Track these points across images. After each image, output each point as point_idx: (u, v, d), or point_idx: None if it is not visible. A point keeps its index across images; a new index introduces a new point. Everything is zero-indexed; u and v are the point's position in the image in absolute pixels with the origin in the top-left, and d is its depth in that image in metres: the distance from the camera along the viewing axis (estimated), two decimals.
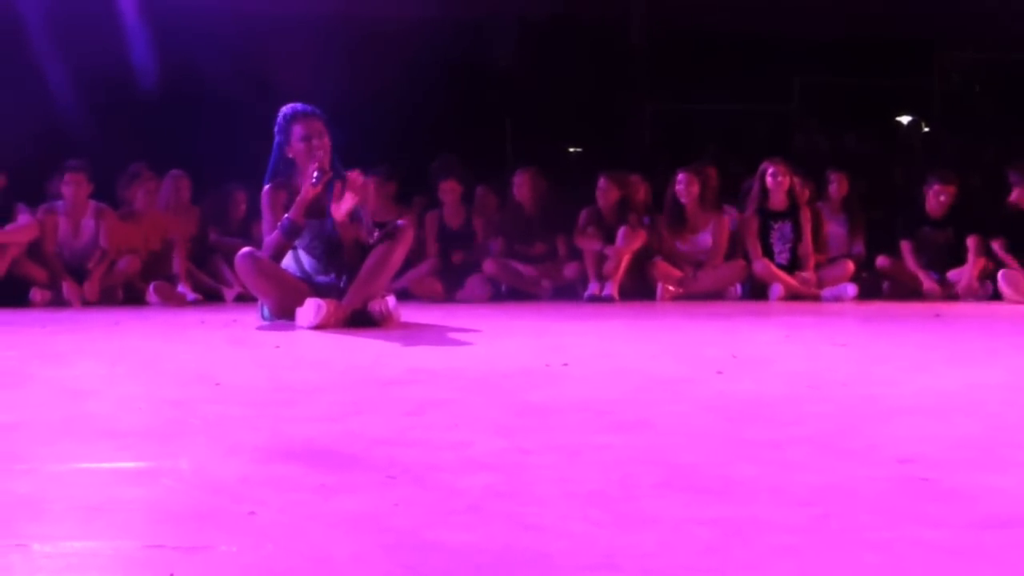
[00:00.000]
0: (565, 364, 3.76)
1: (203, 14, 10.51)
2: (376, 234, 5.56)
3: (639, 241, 8.54)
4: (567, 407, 2.85)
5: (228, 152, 8.52)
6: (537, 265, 8.78)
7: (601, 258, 8.43)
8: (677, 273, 8.60)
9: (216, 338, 5.08)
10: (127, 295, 8.18)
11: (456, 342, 4.76)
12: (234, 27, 10.61)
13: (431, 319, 6.00)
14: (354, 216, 5.44)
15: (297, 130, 5.54)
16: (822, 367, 3.86)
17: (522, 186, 8.95)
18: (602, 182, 8.83)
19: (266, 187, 5.64)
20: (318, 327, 5.12)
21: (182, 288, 8.14)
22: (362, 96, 10.55)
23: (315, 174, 5.38)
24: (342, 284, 5.50)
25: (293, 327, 5.24)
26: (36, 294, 7.79)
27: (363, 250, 5.49)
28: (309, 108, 5.62)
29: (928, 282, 8.60)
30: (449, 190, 8.94)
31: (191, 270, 8.47)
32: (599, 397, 3.04)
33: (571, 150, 13.90)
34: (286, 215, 5.44)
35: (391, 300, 5.45)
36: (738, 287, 8.71)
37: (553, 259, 8.83)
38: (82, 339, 5.12)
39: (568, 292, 8.58)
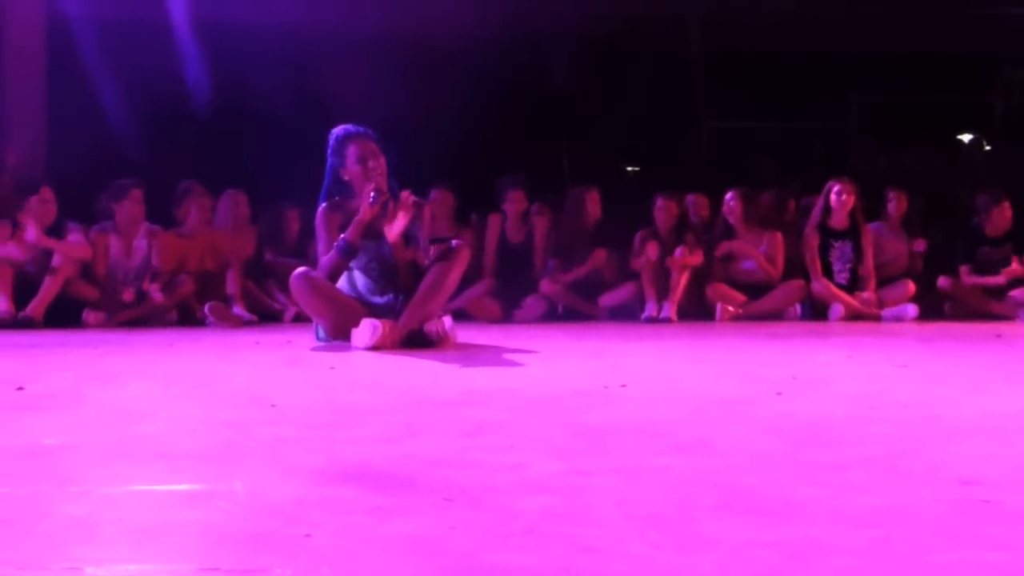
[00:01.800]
0: (623, 385, 3.73)
1: (257, 32, 10.55)
2: (432, 253, 5.55)
3: (697, 261, 8.51)
4: (625, 428, 2.83)
5: (282, 171, 8.51)
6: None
7: (658, 277, 8.39)
8: (736, 294, 8.54)
9: (271, 359, 5.08)
10: (181, 316, 8.13)
11: (513, 363, 4.75)
12: (288, 45, 10.66)
13: (488, 340, 6.00)
14: (408, 236, 5.42)
15: (352, 151, 5.52)
16: (883, 388, 3.81)
17: (592, 203, 8.94)
18: (659, 201, 8.81)
19: (321, 207, 5.61)
20: (374, 348, 5.11)
21: (237, 309, 8.08)
22: (418, 114, 10.58)
23: (372, 195, 5.37)
24: (398, 305, 5.48)
25: (348, 348, 5.25)
26: (89, 315, 7.77)
27: (418, 270, 5.46)
28: (361, 129, 5.59)
29: (993, 280, 8.58)
30: (516, 199, 8.94)
31: (247, 290, 8.40)
32: (657, 418, 3.02)
33: (628, 169, 13.87)
34: (343, 236, 5.41)
35: (447, 321, 5.41)
36: (797, 307, 8.63)
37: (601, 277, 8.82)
38: (136, 360, 5.14)
39: (626, 313, 8.54)
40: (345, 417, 3.03)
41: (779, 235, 8.81)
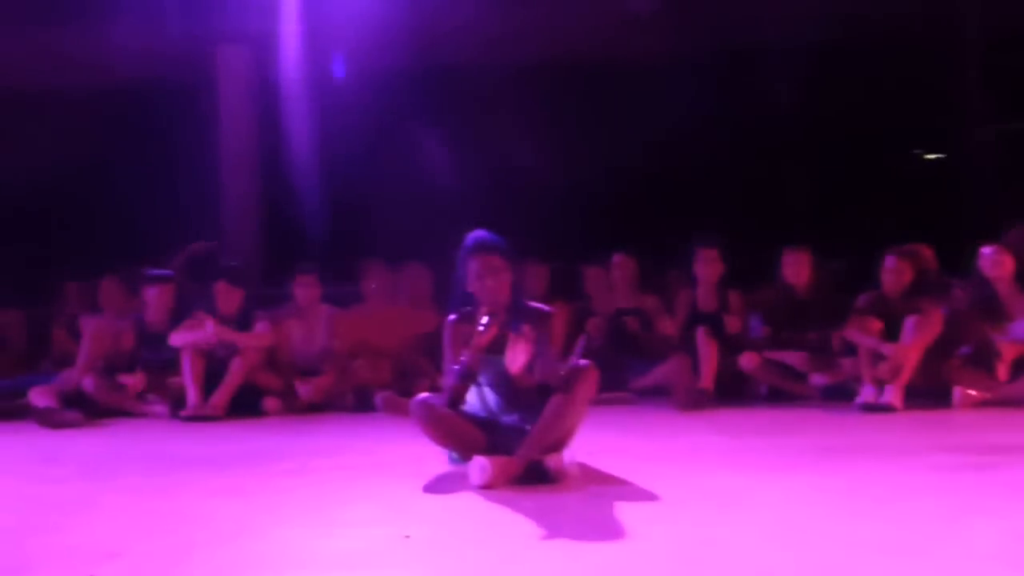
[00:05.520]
0: None
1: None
2: (562, 369, 4.86)
3: (932, 334, 7.17)
4: None
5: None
6: (809, 357, 7.69)
7: (878, 356, 7.17)
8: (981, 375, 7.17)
9: (401, 488, 4.63)
10: (358, 400, 7.98)
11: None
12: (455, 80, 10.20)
13: (632, 461, 5.12)
14: (531, 366, 4.84)
15: (473, 266, 5.03)
16: None
17: (798, 267, 7.90)
18: (890, 262, 7.50)
19: (448, 320, 5.16)
20: (486, 487, 4.53)
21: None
22: (618, 149, 9.97)
23: (483, 320, 4.88)
24: (528, 426, 4.84)
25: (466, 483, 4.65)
26: (270, 403, 7.86)
27: (547, 390, 4.85)
28: (488, 241, 5.07)
29: None
30: (708, 260, 8.00)
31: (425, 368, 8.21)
32: None
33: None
34: (462, 358, 4.93)
35: (567, 456, 4.72)
36: None
37: (826, 352, 7.70)
38: (284, 485, 4.86)
39: (843, 393, 7.37)
40: None
41: None
